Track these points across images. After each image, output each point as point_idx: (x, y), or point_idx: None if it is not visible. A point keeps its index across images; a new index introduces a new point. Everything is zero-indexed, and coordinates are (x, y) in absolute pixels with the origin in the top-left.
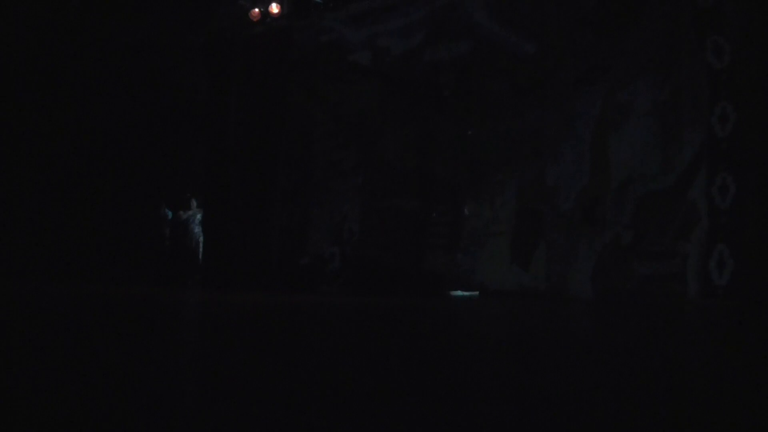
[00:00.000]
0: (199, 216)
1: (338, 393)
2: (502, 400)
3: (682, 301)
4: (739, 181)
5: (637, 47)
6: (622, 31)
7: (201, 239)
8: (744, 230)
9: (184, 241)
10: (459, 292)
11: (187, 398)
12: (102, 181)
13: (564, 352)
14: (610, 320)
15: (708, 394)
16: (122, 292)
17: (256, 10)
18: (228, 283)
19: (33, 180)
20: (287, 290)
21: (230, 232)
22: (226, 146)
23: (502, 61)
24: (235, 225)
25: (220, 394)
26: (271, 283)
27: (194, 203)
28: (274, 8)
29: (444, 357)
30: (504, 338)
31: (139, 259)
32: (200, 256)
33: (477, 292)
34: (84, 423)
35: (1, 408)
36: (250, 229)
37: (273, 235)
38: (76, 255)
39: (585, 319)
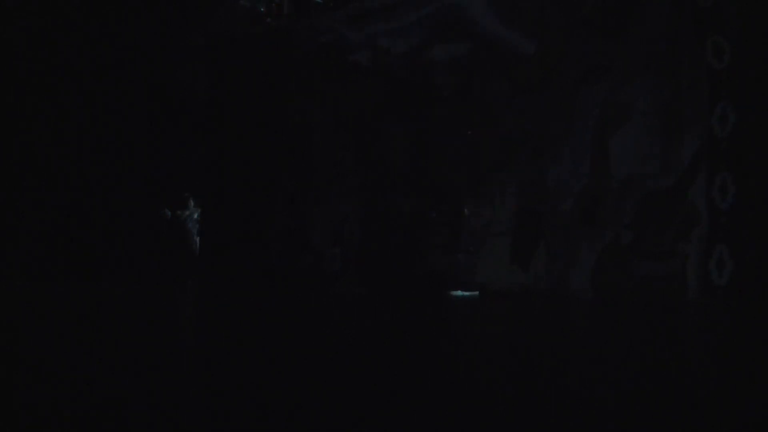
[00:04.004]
0: (196, 215)
1: (340, 392)
2: (503, 400)
3: (682, 301)
4: (739, 181)
5: (637, 47)
6: (622, 31)
7: (199, 239)
8: (744, 230)
9: (182, 240)
10: (459, 292)
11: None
12: (101, 181)
13: (564, 351)
14: (610, 320)
15: (708, 393)
16: (122, 292)
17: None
18: (227, 283)
19: (32, 180)
20: (288, 291)
21: (230, 232)
22: (226, 146)
23: (502, 61)
24: (235, 225)
25: (227, 390)
26: (271, 284)
27: (192, 203)
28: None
29: (444, 357)
30: (504, 338)
31: (138, 258)
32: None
33: (477, 292)
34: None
35: (3, 407)
36: (249, 229)
37: (273, 235)
38: (75, 254)
39: (585, 319)
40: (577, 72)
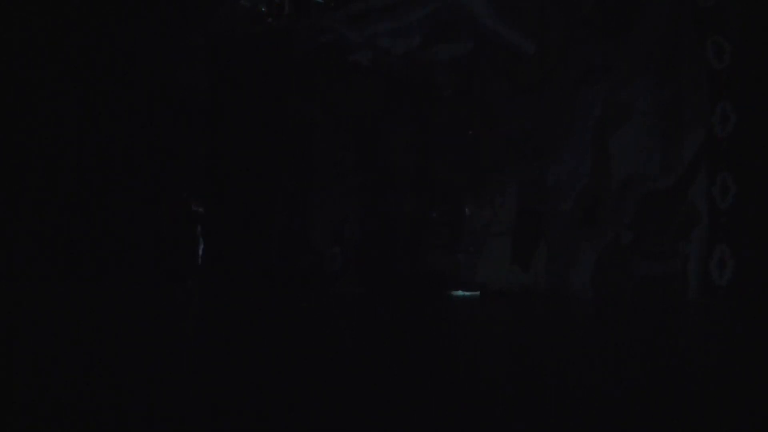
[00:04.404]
0: (197, 215)
1: (339, 392)
2: (503, 400)
3: (682, 301)
4: (739, 181)
5: (637, 47)
6: (622, 31)
7: (200, 239)
8: (744, 230)
9: (182, 240)
10: (459, 292)
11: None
12: (101, 181)
13: (564, 351)
14: (610, 320)
15: (708, 393)
16: (122, 292)
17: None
18: (228, 283)
19: (32, 180)
20: (288, 291)
21: (230, 232)
22: (226, 146)
23: (502, 61)
24: (235, 225)
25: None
26: (271, 284)
27: (192, 203)
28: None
29: (444, 356)
30: (504, 338)
31: (138, 258)
32: (199, 256)
33: (477, 292)
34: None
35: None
36: (249, 230)
37: (273, 235)
38: (75, 254)
39: (585, 319)
40: (577, 72)
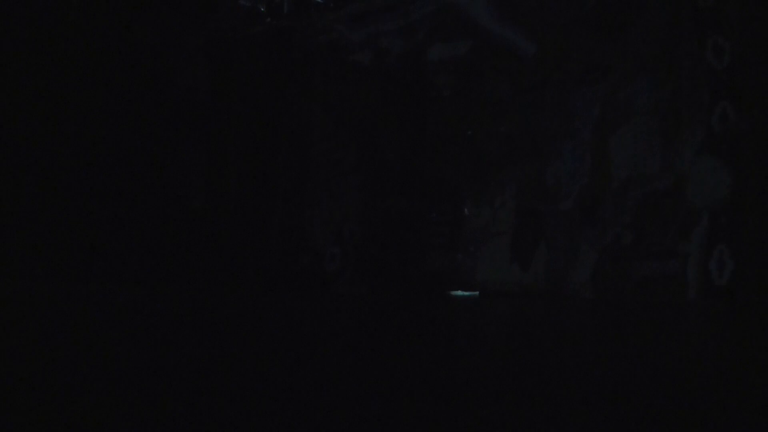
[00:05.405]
0: (196, 215)
1: (336, 392)
2: (501, 400)
3: (682, 301)
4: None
5: (637, 47)
6: (622, 31)
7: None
8: (744, 230)
9: (183, 240)
10: (459, 292)
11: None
12: (100, 182)
13: (564, 352)
14: (610, 320)
15: (708, 393)
16: (121, 293)
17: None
18: (227, 283)
19: (32, 180)
20: (287, 290)
21: (230, 232)
22: (226, 146)
23: (502, 61)
24: (235, 225)
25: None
26: (270, 284)
27: (192, 203)
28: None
29: (444, 356)
30: (504, 338)
31: (138, 258)
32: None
33: (477, 292)
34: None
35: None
36: (249, 229)
37: (273, 235)
38: (75, 254)
39: (585, 319)
40: (577, 72)
